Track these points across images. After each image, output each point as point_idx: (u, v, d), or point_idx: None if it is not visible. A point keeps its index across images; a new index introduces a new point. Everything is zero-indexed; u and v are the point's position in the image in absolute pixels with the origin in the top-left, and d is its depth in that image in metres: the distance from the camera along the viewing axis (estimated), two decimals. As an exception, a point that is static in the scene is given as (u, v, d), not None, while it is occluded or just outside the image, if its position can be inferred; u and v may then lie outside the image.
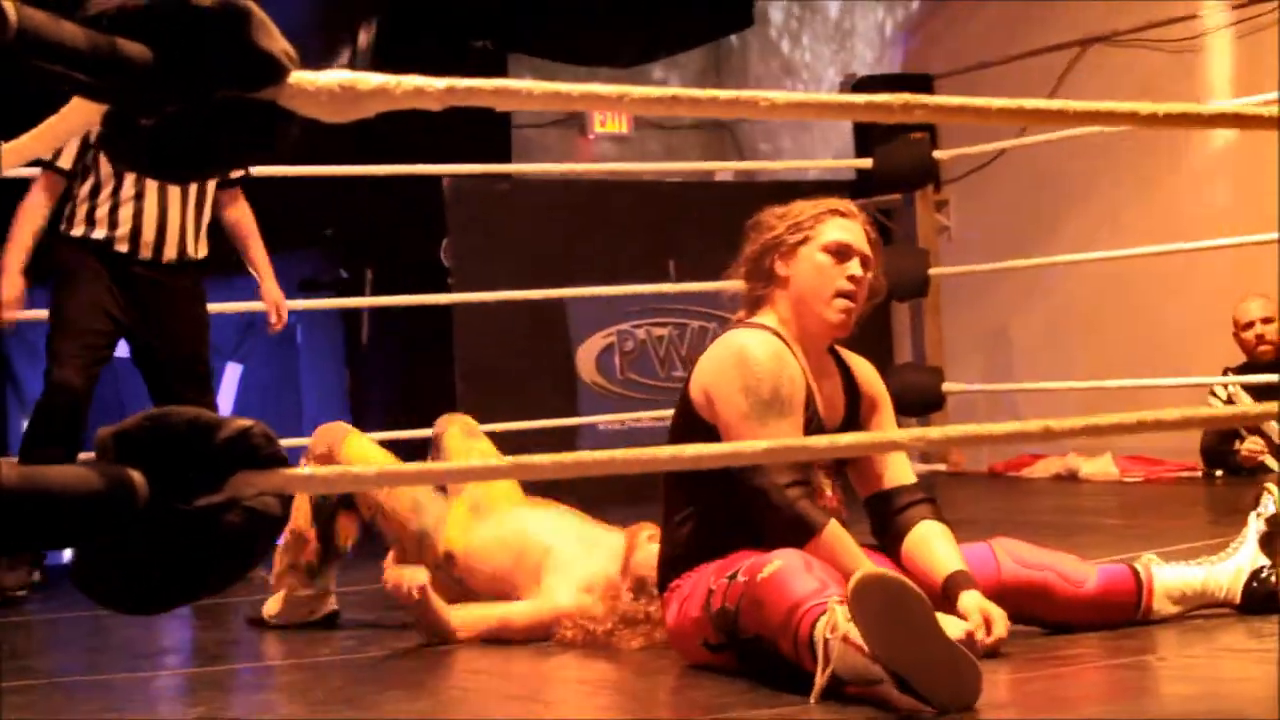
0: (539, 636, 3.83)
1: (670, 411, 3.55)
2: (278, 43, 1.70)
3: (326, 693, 3.42)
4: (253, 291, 5.79)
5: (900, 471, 3.49)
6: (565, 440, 7.94)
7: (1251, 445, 7.11)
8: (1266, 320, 7.27)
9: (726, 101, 1.97)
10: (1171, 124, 2.33)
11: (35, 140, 2.11)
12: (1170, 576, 3.45)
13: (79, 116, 1.89)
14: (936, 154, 7.75)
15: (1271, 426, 7.22)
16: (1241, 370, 7.29)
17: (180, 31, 1.66)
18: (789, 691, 2.88)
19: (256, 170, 5.69)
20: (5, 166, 2.18)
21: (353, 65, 8.73)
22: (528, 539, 4.04)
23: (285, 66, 1.72)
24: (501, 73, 9.50)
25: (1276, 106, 4.73)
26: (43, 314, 5.47)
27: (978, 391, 8.62)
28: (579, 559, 3.94)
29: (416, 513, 4.15)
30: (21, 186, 5.52)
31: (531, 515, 4.12)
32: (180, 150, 1.72)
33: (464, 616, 3.93)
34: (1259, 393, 7.13)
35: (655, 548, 3.63)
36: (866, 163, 7.83)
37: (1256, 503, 3.53)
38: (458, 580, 4.07)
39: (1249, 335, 7.28)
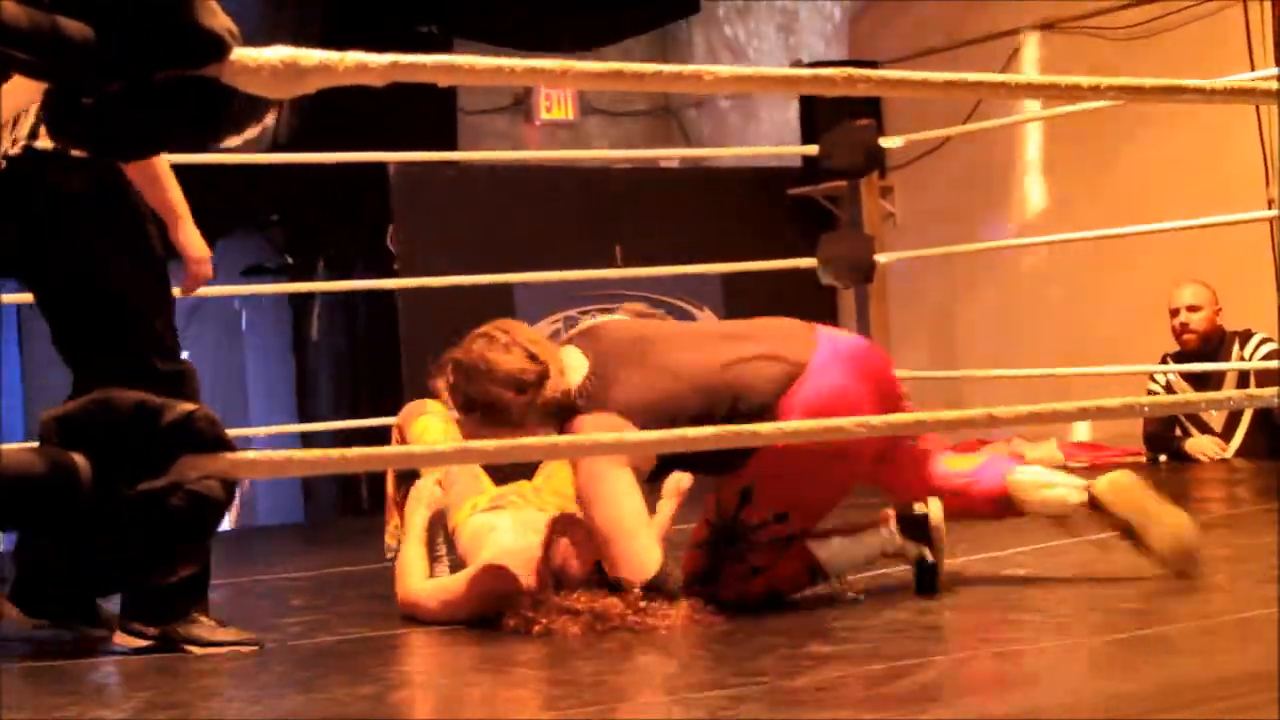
0: (487, 608, 3.84)
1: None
2: (219, 20, 1.69)
3: (272, 677, 3.41)
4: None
5: None
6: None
7: (1205, 448, 7.06)
8: (1192, 309, 7.27)
9: (670, 76, 1.98)
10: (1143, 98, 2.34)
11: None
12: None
13: (21, 94, 1.88)
14: (882, 140, 7.77)
15: (1212, 414, 7.25)
16: (1178, 358, 7.31)
17: (121, 9, 1.65)
18: (738, 667, 2.89)
19: (202, 157, 5.60)
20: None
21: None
22: (481, 525, 4.12)
23: (227, 43, 1.71)
24: (447, 58, 9.43)
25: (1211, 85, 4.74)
26: None
27: (924, 378, 8.65)
28: (515, 541, 3.97)
29: (445, 487, 4.27)
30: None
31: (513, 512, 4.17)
32: (123, 127, 1.71)
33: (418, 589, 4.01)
34: (1196, 381, 7.16)
35: (564, 540, 3.77)
36: (812, 149, 7.83)
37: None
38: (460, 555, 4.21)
39: (1175, 323, 7.31)
